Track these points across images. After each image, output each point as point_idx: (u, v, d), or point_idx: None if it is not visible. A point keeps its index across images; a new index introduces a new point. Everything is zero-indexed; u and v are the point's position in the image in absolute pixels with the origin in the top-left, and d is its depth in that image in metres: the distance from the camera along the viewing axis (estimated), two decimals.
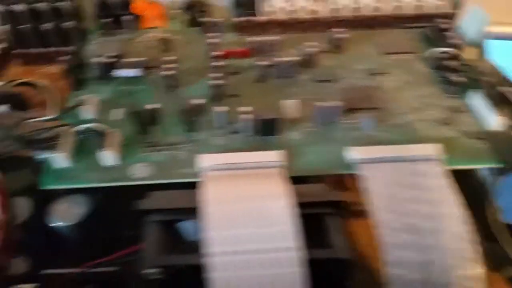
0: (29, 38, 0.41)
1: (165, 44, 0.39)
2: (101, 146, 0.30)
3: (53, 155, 0.29)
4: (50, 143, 0.29)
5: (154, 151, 0.31)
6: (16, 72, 0.41)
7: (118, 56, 0.36)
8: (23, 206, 0.35)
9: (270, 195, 0.26)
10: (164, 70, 0.35)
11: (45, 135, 0.30)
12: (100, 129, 0.30)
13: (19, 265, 0.32)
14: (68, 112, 0.32)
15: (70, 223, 0.34)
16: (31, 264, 0.33)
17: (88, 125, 0.30)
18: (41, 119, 0.33)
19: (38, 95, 0.37)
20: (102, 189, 0.32)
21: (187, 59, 0.38)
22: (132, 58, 0.36)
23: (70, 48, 0.40)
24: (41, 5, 0.39)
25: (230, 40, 0.40)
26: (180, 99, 0.34)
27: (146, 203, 0.27)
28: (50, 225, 0.34)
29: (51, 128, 0.31)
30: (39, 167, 0.37)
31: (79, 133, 0.30)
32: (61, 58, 0.39)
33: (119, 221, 0.36)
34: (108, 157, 0.29)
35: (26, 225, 0.34)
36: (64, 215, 0.34)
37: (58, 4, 0.39)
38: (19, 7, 0.39)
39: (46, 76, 0.40)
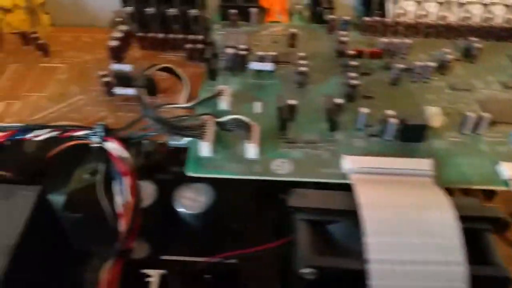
0: (152, 22, 0.41)
1: (291, 39, 0.38)
2: (244, 138, 0.30)
3: (198, 143, 0.29)
4: (194, 131, 0.29)
5: (293, 147, 0.30)
6: (135, 56, 0.41)
7: (248, 49, 0.36)
8: (149, 191, 0.35)
9: (433, 205, 0.25)
10: (298, 66, 0.35)
11: (188, 122, 0.30)
12: (245, 121, 0.29)
13: (141, 249, 0.33)
14: (207, 101, 0.32)
15: (194, 212, 0.34)
16: (152, 249, 0.33)
17: (234, 116, 0.30)
18: (178, 105, 0.33)
19: (165, 81, 0.37)
20: (228, 180, 0.32)
21: (313, 56, 0.37)
22: (263, 52, 0.36)
23: (193, 36, 0.40)
24: None
25: (355, 39, 0.39)
26: (312, 96, 0.34)
27: (297, 201, 0.27)
28: (175, 211, 0.35)
29: (195, 116, 0.30)
30: (170, 153, 0.37)
31: (222, 123, 0.30)
32: (187, 45, 0.39)
33: (242, 214, 0.36)
34: (251, 150, 0.29)
35: (150, 209, 0.35)
36: (189, 203, 0.34)
37: None
38: None
39: (167, 62, 0.40)
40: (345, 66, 0.35)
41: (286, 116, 0.30)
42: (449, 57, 0.36)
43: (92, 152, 0.45)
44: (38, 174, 0.35)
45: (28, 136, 0.33)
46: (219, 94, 0.32)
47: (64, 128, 0.33)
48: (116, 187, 0.31)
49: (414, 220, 0.25)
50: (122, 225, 0.30)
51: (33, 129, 0.33)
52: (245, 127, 0.30)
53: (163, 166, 0.38)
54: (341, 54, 0.37)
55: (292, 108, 0.31)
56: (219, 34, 0.40)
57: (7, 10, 0.42)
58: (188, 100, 0.35)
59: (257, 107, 0.32)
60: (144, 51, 0.41)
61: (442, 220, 0.25)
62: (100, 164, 0.34)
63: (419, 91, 0.35)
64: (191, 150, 0.30)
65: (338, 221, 0.26)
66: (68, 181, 0.41)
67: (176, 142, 0.33)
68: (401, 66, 0.34)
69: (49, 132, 0.33)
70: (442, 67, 0.36)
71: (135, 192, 0.31)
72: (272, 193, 0.38)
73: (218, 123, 0.30)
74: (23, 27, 0.42)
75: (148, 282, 0.31)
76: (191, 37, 0.40)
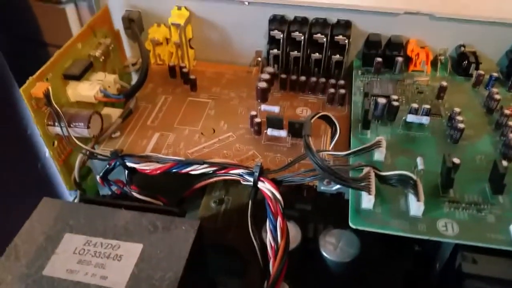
0: (295, 65, 0.42)
1: (440, 91, 0.38)
2: (405, 194, 0.30)
3: (362, 195, 0.30)
4: (360, 183, 0.30)
5: (457, 208, 0.30)
6: (276, 96, 0.42)
7: (397, 99, 0.36)
8: (293, 233, 0.36)
9: None
10: (452, 121, 0.35)
11: (350, 173, 0.31)
12: (412, 178, 0.29)
13: None
14: (363, 151, 0.32)
15: (338, 260, 0.34)
16: None
17: (400, 172, 0.30)
18: (334, 153, 0.33)
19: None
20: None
21: (462, 110, 0.36)
22: (417, 104, 0.35)
23: (334, 81, 0.41)
24: (320, 37, 0.40)
25: (501, 95, 0.38)
26: (468, 154, 0.33)
27: (471, 267, 0.26)
28: (317, 256, 0.35)
29: (357, 166, 0.31)
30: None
31: (384, 177, 0.30)
32: (330, 90, 0.40)
33: (391, 271, 0.36)
34: (417, 208, 0.29)
35: (295, 252, 0.35)
36: (333, 250, 0.34)
37: (337, 38, 0.40)
38: (299, 36, 0.40)
39: (307, 104, 0.41)
40: (499, 125, 0.35)
41: (453, 175, 0.30)
42: None
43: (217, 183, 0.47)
44: (181, 201, 0.37)
45: (185, 170, 0.35)
46: (376, 144, 0.32)
47: (222, 166, 0.34)
48: (267, 226, 0.32)
49: None
50: (272, 267, 0.31)
51: (193, 163, 0.35)
52: (410, 184, 0.29)
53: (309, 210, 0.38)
54: (490, 111, 0.37)
55: (456, 167, 0.30)
56: (361, 81, 0.40)
57: (158, 43, 0.44)
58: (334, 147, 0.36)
59: (420, 163, 0.31)
60: (284, 92, 0.42)
61: None
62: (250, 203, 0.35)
63: None
64: (351, 201, 0.30)
65: None
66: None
67: (327, 189, 0.34)
68: None
69: (206, 167, 0.35)
70: None
71: (286, 234, 0.32)
72: (404, 243, 0.38)
73: (379, 176, 0.31)
74: (170, 60, 0.45)
75: None
76: (332, 81, 0.41)
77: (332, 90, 0.40)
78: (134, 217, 0.32)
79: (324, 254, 0.34)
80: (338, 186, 0.33)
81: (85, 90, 0.38)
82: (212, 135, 0.38)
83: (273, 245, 0.31)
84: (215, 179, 0.35)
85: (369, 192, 0.29)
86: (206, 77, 0.44)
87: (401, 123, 0.36)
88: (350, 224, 0.29)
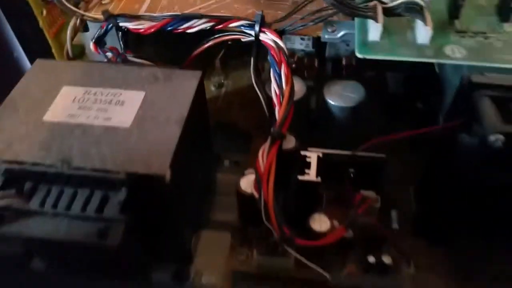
0: None
1: None
2: (416, 24, 0.29)
3: (369, 26, 0.29)
4: (368, 12, 0.29)
5: (464, 36, 0.29)
6: None
7: None
8: (300, 86, 0.35)
9: None
10: None
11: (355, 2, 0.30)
12: (419, 3, 0.29)
13: (289, 140, 0.32)
14: None
15: (344, 105, 0.34)
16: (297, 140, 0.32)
17: None
18: None
19: None
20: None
21: None
22: None
23: None
24: None
25: None
26: None
27: (479, 78, 0.26)
28: (325, 104, 0.34)
29: (362, 2, 0.30)
30: None
31: (391, 8, 0.29)
32: None
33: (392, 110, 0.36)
34: (425, 33, 0.28)
35: (300, 104, 0.35)
36: (338, 97, 0.34)
37: None
38: None
39: None
40: None
41: (462, 2, 0.29)
42: None
43: (217, 67, 0.46)
44: None
45: (182, 27, 0.34)
46: None
47: (221, 18, 0.33)
48: (272, 76, 0.31)
49: None
50: (278, 113, 0.30)
51: (190, 18, 0.33)
52: (417, 9, 0.29)
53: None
54: None
55: None
56: None
57: None
58: None
59: None
60: None
61: None
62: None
63: None
64: (358, 35, 0.30)
65: None
66: None
67: (331, 37, 0.33)
68: None
69: (204, 23, 0.33)
70: None
71: (290, 80, 0.31)
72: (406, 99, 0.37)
73: (385, 9, 0.30)
74: None
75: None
76: None
77: None
78: (133, 70, 0.31)
79: (329, 101, 0.33)
80: (343, 32, 0.32)
81: None
82: None
83: (278, 92, 0.31)
84: (213, 41, 0.34)
85: (376, 19, 0.28)
86: None
87: None
88: (357, 54, 0.29)
